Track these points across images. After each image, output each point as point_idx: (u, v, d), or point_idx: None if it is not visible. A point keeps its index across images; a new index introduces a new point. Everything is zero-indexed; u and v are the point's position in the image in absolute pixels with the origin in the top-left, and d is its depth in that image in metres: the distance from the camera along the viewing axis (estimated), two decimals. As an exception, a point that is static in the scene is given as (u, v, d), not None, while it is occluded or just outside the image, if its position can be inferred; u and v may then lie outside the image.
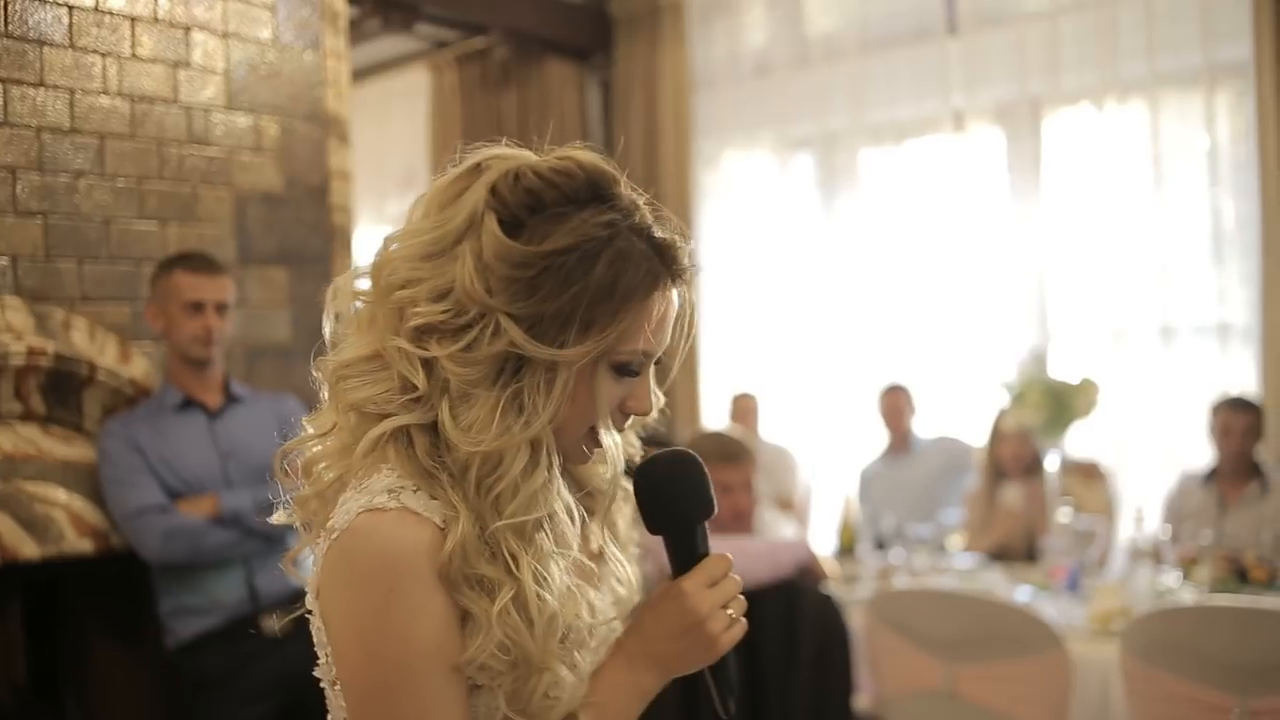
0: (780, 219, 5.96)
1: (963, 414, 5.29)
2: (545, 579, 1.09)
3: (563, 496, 1.15)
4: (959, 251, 5.47)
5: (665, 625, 1.17)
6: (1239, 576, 3.45)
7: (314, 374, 1.18)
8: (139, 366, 3.31)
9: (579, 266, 1.06)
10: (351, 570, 1.05)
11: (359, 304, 1.16)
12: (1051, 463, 3.92)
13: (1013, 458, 4.40)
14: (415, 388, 1.08)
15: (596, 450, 1.17)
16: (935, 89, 5.46)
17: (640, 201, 1.14)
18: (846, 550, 4.17)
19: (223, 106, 3.62)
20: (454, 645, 1.05)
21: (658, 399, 1.21)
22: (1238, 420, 4.29)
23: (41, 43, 3.22)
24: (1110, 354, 5.03)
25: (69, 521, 3.06)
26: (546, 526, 1.11)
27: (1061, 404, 3.72)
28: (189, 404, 3.03)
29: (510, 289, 1.06)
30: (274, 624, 2.93)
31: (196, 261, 3.04)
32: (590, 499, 1.27)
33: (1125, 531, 4.47)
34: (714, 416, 6.02)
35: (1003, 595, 3.47)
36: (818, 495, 5.63)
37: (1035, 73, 5.18)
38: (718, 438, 3.20)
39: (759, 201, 6.05)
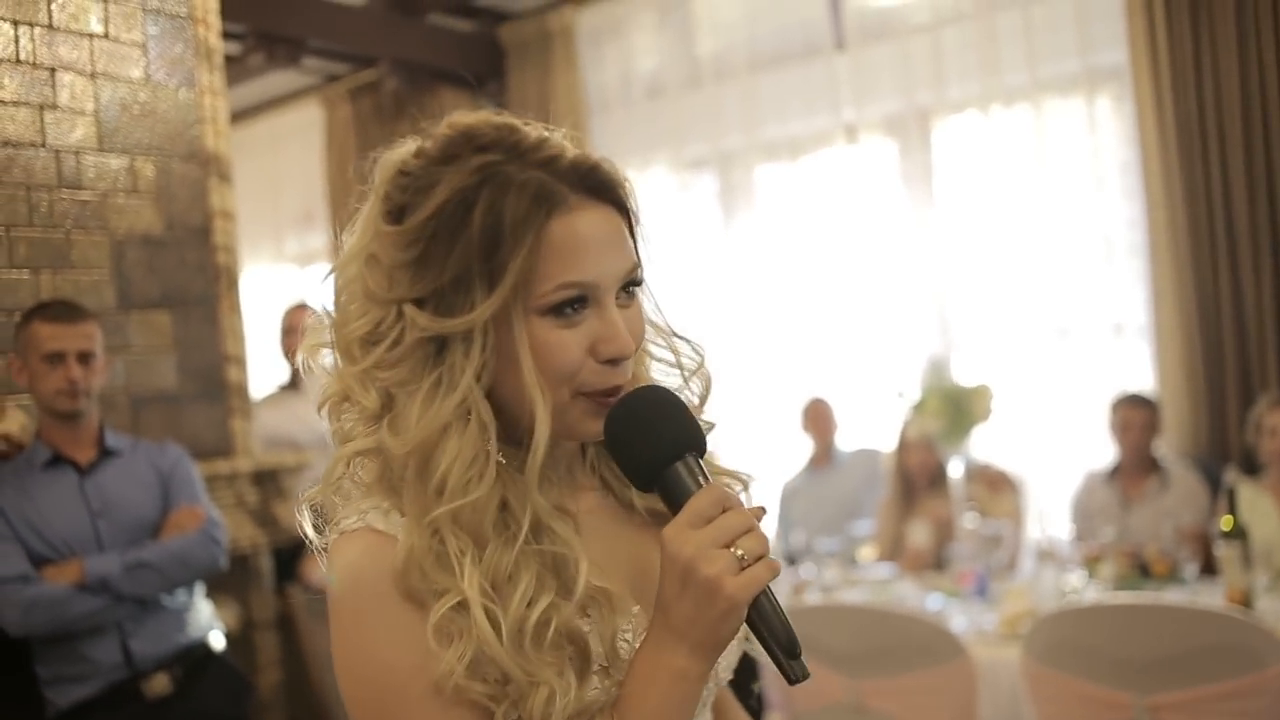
0: (682, 239, 5.95)
1: (872, 425, 5.31)
2: (499, 580, 0.98)
3: (540, 501, 1.02)
4: (859, 263, 5.51)
5: (666, 588, 0.97)
6: (1141, 572, 3.48)
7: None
8: (15, 421, 3.18)
9: (456, 222, 0.98)
10: (330, 598, 1.01)
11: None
12: (956, 469, 3.94)
13: (919, 466, 4.42)
14: (373, 412, 1.03)
15: (606, 408, 1.03)
16: (826, 104, 5.51)
17: (544, 135, 1.05)
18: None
19: (94, 148, 3.51)
20: (435, 664, 0.97)
21: (646, 331, 1.09)
22: (1135, 416, 4.36)
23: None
24: (1010, 358, 5.09)
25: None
26: (508, 527, 1.01)
27: (960, 410, 3.75)
28: (57, 460, 2.89)
29: (405, 275, 1.00)
30: (155, 686, 2.82)
31: (55, 310, 2.90)
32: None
33: (1034, 535, 4.52)
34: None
35: (911, 605, 3.48)
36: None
37: (922, 84, 5.25)
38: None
39: (659, 222, 6.04)
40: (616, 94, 6.13)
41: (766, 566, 0.95)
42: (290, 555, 4.06)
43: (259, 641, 3.81)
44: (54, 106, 3.42)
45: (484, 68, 6.42)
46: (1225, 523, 3.37)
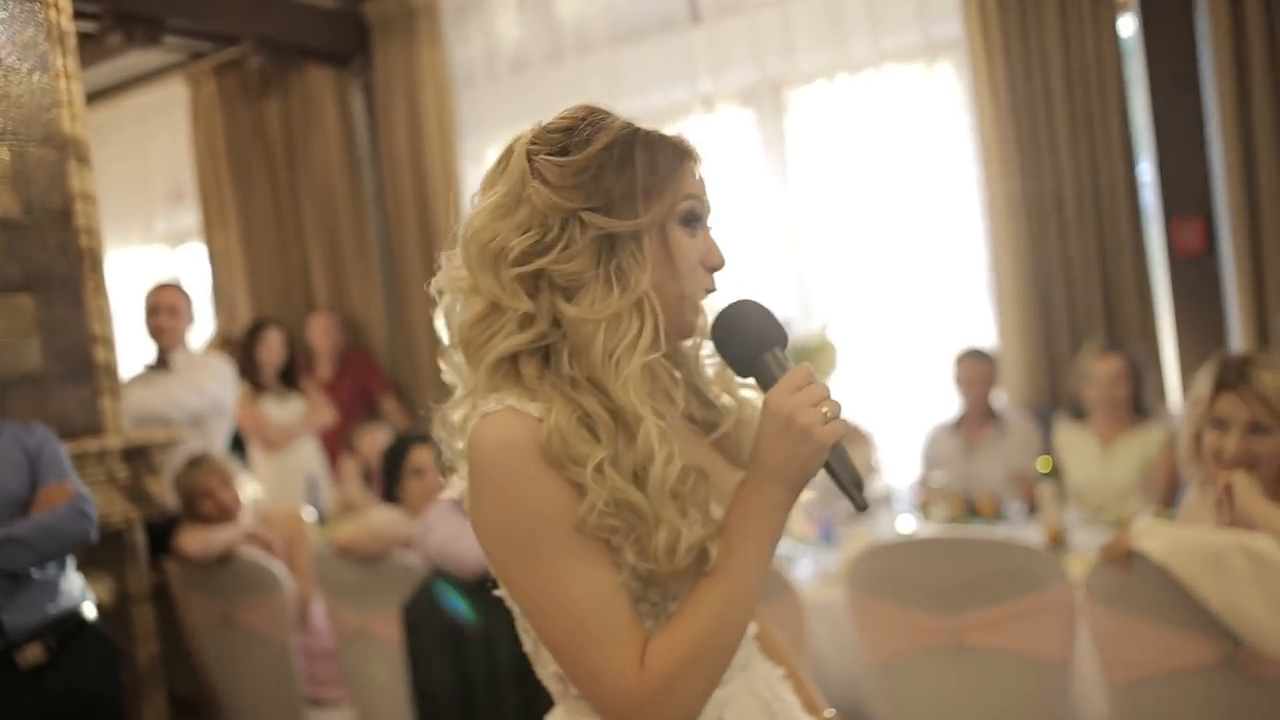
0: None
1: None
2: (649, 454, 1.24)
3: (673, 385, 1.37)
4: (717, 228, 5.71)
5: (765, 437, 1.26)
6: (970, 511, 3.76)
7: (443, 368, 1.38)
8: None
9: (623, 155, 1.29)
10: (475, 466, 1.25)
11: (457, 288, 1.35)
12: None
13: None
14: (529, 316, 1.27)
15: (700, 322, 1.37)
16: (684, 76, 5.68)
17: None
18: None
19: (-53, 134, 3.53)
20: (574, 512, 1.22)
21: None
22: (976, 369, 4.66)
23: None
24: (863, 318, 5.36)
25: None
26: (661, 399, 1.32)
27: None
28: (-76, 444, 2.96)
29: (580, 191, 1.28)
30: (28, 655, 2.91)
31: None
32: (715, 413, 1.46)
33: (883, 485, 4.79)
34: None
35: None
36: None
37: (774, 55, 5.46)
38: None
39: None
40: (482, 69, 6.23)
41: (843, 422, 1.26)
42: (163, 529, 4.14)
43: (135, 614, 3.89)
44: (-97, 93, 3.44)
45: (350, 45, 6.47)
46: (1043, 464, 3.67)
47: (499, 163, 1.36)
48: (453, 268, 1.36)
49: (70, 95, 3.86)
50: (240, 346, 5.90)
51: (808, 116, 5.53)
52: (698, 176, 1.36)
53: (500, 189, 1.32)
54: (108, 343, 3.89)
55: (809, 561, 3.64)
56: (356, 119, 6.65)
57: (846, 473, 1.29)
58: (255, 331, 5.82)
